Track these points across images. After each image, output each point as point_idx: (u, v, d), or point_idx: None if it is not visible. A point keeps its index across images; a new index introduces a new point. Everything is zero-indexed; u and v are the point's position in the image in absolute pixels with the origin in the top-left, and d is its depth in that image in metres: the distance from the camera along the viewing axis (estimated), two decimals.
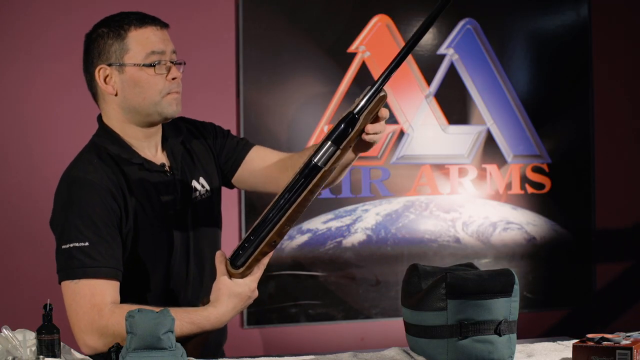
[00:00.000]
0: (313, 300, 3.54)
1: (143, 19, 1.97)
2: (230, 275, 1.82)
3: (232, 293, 1.82)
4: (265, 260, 1.81)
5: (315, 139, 3.51)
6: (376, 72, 3.59)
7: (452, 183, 3.74)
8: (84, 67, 2.02)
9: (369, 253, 3.61)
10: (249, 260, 1.79)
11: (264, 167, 2.18)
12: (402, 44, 3.64)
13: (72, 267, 1.85)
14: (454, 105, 3.74)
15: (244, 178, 2.19)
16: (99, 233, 1.86)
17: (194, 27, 3.36)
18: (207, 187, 2.10)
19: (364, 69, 3.58)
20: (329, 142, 1.75)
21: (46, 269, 3.13)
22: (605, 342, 1.68)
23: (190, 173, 2.07)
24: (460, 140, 3.75)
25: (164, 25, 2.01)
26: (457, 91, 3.74)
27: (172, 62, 1.98)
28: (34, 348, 1.62)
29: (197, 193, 2.07)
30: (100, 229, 1.86)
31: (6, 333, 1.62)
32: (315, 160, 1.74)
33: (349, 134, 1.75)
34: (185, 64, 2.03)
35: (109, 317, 1.81)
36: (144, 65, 1.94)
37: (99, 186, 1.89)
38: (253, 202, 3.43)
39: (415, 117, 3.67)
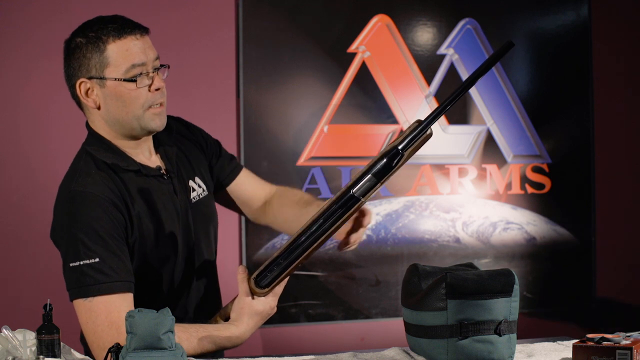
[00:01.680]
0: (313, 300, 3.54)
1: (122, 29, 1.90)
2: (254, 293, 1.82)
3: (254, 312, 1.83)
4: (286, 279, 1.82)
5: (315, 138, 3.51)
6: (376, 72, 3.59)
7: (452, 183, 3.74)
8: (65, 77, 1.96)
9: (369, 253, 3.61)
10: (276, 282, 1.80)
11: (248, 195, 2.22)
12: (402, 44, 3.64)
13: (84, 284, 1.80)
14: (454, 105, 3.73)
15: (225, 198, 2.22)
16: (108, 247, 1.82)
17: (194, 27, 3.36)
18: (204, 186, 2.10)
19: (364, 69, 3.58)
20: (370, 175, 1.74)
21: (46, 269, 3.13)
22: (605, 342, 1.68)
23: (186, 174, 2.06)
24: (460, 140, 3.75)
25: (143, 32, 1.93)
26: None
27: (155, 70, 1.93)
28: (34, 348, 1.62)
29: (195, 193, 2.06)
30: (108, 242, 1.83)
31: (6, 333, 1.62)
32: (353, 191, 1.74)
33: (391, 169, 1.74)
34: (169, 67, 1.97)
35: None
36: (124, 80, 1.89)
37: (101, 198, 1.86)
38: None
39: (415, 117, 3.67)
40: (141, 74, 1.90)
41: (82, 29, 1.93)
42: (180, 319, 1.94)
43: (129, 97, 1.90)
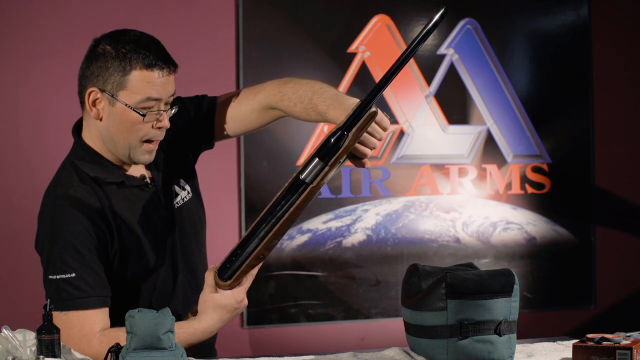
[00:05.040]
0: (313, 300, 3.54)
1: (153, 62, 1.87)
2: (218, 287, 1.81)
3: (217, 305, 1.82)
4: (254, 271, 1.80)
5: (315, 138, 3.51)
6: (376, 72, 3.59)
7: (452, 183, 3.74)
8: (80, 74, 1.94)
9: (369, 253, 3.61)
10: (237, 274, 1.78)
11: (237, 121, 2.09)
12: (402, 44, 3.64)
13: (60, 299, 1.83)
14: (454, 105, 3.74)
15: (223, 136, 2.13)
16: (84, 262, 1.84)
17: (194, 27, 3.36)
18: (189, 188, 2.08)
19: (364, 69, 3.58)
20: (317, 159, 1.71)
21: None
22: (605, 342, 1.68)
23: (171, 179, 2.04)
24: (460, 140, 3.75)
25: (172, 69, 1.91)
26: (457, 91, 3.74)
27: (166, 106, 1.91)
28: (34, 348, 1.62)
29: (179, 197, 2.04)
30: (85, 257, 1.85)
31: (6, 333, 1.62)
32: (302, 177, 1.71)
33: (337, 151, 1.70)
34: (177, 108, 1.95)
35: (97, 346, 1.81)
36: (134, 110, 1.87)
37: (81, 213, 1.87)
38: (253, 202, 3.42)
39: (415, 117, 3.67)
40: (151, 109, 1.88)
41: (116, 39, 1.90)
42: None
43: (131, 126, 1.89)
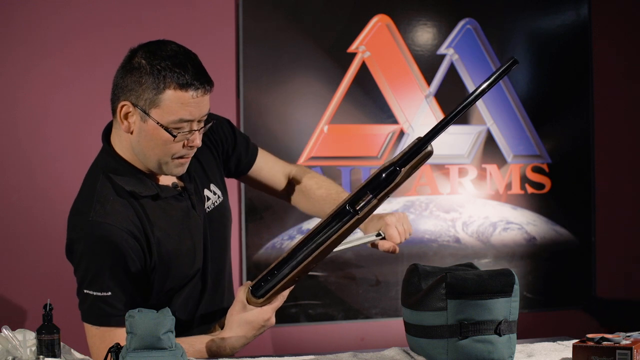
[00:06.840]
0: (313, 300, 3.54)
1: (188, 81, 1.80)
2: (249, 303, 1.83)
3: (243, 321, 1.84)
4: (285, 292, 1.83)
5: (315, 139, 3.51)
6: (376, 72, 3.60)
7: (452, 183, 3.74)
8: (114, 84, 1.88)
9: (369, 253, 3.61)
10: (270, 293, 1.81)
11: (268, 178, 2.21)
12: (402, 44, 3.64)
13: (93, 314, 1.85)
14: (454, 105, 3.73)
15: (248, 182, 2.23)
16: (120, 281, 1.84)
17: (194, 26, 3.36)
18: (219, 192, 2.07)
19: (364, 69, 3.58)
20: (366, 192, 1.74)
21: (46, 269, 3.13)
22: (605, 342, 1.68)
23: (202, 184, 2.03)
24: (460, 140, 3.75)
25: (208, 89, 1.84)
26: (457, 91, 3.74)
27: (199, 124, 1.86)
28: (34, 348, 1.62)
29: (210, 202, 2.03)
30: (122, 275, 1.84)
31: (6, 333, 1.62)
32: (349, 207, 1.75)
33: (387, 185, 1.74)
34: (212, 123, 1.91)
35: None
36: (166, 129, 1.82)
37: (119, 230, 1.84)
38: (253, 202, 3.42)
39: (415, 117, 3.67)
40: (183, 130, 1.84)
41: (152, 53, 1.83)
42: (205, 327, 1.98)
43: (162, 144, 1.85)
